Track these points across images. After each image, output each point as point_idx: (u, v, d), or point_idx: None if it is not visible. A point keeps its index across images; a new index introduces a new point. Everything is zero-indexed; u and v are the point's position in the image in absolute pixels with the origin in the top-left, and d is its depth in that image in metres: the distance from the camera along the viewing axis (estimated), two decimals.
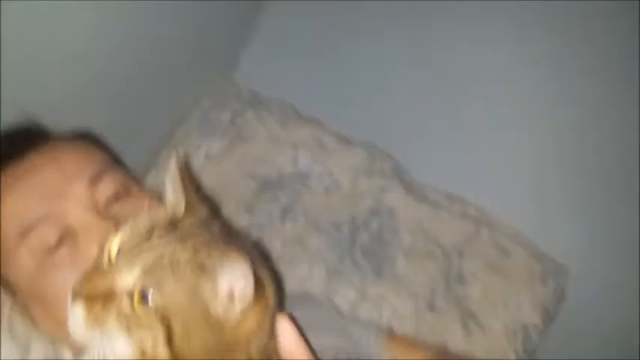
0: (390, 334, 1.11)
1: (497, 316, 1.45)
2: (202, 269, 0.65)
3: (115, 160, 1.07)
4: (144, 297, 0.64)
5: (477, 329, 1.42)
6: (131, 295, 0.64)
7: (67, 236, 0.90)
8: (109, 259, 0.69)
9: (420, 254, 1.50)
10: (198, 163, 1.48)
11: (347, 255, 1.45)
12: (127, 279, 0.65)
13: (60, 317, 0.90)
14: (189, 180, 0.75)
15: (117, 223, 0.89)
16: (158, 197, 1.05)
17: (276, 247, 1.43)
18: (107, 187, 0.95)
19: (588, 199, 1.56)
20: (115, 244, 0.69)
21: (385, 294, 1.41)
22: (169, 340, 0.64)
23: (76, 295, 0.66)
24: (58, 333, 0.93)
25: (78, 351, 0.79)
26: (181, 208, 0.72)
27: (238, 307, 0.66)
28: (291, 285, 1.38)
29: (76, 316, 0.66)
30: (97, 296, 0.65)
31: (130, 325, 0.64)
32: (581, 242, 1.57)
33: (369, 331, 1.10)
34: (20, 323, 0.94)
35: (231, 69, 1.79)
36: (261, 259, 0.71)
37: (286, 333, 0.67)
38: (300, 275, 1.41)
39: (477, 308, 1.45)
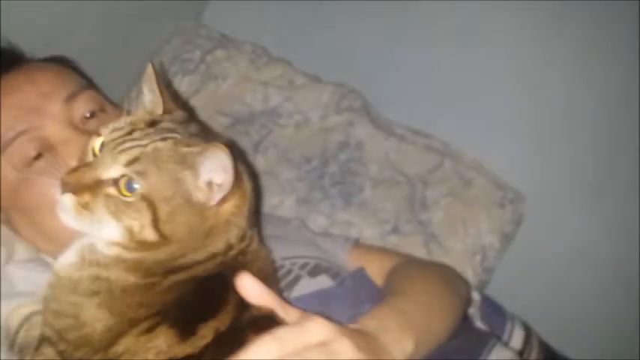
0: (356, 245, 1.18)
1: (458, 239, 1.55)
2: (183, 160, 0.72)
3: (90, 84, 1.12)
4: (129, 185, 0.71)
5: (438, 250, 1.53)
6: (117, 184, 0.71)
7: (45, 150, 0.96)
8: (94, 155, 0.75)
9: (386, 183, 1.58)
10: None
11: (317, 185, 1.54)
12: (113, 169, 0.71)
13: (41, 225, 0.97)
14: (166, 86, 0.80)
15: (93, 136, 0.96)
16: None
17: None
18: (83, 105, 1.01)
19: (545, 129, 1.65)
20: (98, 142, 0.75)
21: (353, 220, 1.51)
22: (155, 223, 0.71)
23: (64, 186, 0.72)
24: (41, 242, 1.00)
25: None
26: (159, 110, 0.78)
27: (218, 194, 0.74)
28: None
29: (66, 205, 0.72)
30: (85, 186, 0.71)
31: (117, 210, 0.71)
32: (537, 170, 1.67)
33: (336, 242, 1.18)
34: (5, 232, 1.00)
35: (201, 12, 1.82)
36: (238, 154, 0.77)
37: (247, 285, 0.70)
38: (272, 204, 1.49)
39: (439, 231, 1.55)
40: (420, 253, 1.51)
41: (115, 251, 0.73)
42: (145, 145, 0.72)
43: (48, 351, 0.72)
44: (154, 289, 0.72)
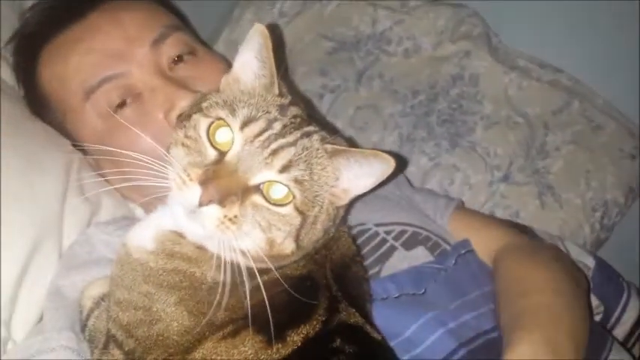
0: (459, 210, 1.06)
1: (577, 192, 1.39)
2: (331, 161, 0.66)
3: (180, 20, 1.05)
4: (273, 192, 0.63)
5: (553, 203, 1.38)
6: (266, 190, 0.63)
7: (131, 97, 0.91)
8: (210, 141, 0.65)
9: (501, 124, 1.43)
10: (271, 20, 1.43)
11: (422, 123, 1.41)
12: (265, 175, 0.63)
13: (129, 175, 0.95)
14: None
15: (181, 85, 0.90)
16: (225, 60, 1.04)
17: (348, 111, 1.41)
18: (171, 48, 0.94)
19: None
20: (206, 124, 0.66)
21: (458, 163, 1.38)
22: (298, 234, 0.65)
23: (207, 196, 0.61)
24: (127, 190, 0.99)
25: (150, 209, 0.80)
26: (274, 88, 0.68)
27: (350, 196, 0.68)
28: None
29: (208, 219, 0.62)
30: (234, 197, 0.62)
31: (267, 223, 0.63)
32: None
33: (437, 203, 1.06)
34: (91, 181, 0.97)
35: None
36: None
37: None
38: (372, 141, 1.39)
39: (556, 182, 1.40)
40: (531, 205, 1.38)
41: (238, 259, 0.64)
42: (293, 144, 0.64)
43: (116, 352, 0.67)
44: (240, 289, 0.64)
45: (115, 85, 0.91)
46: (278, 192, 0.63)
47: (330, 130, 0.70)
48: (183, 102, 0.87)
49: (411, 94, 1.43)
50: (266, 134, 0.63)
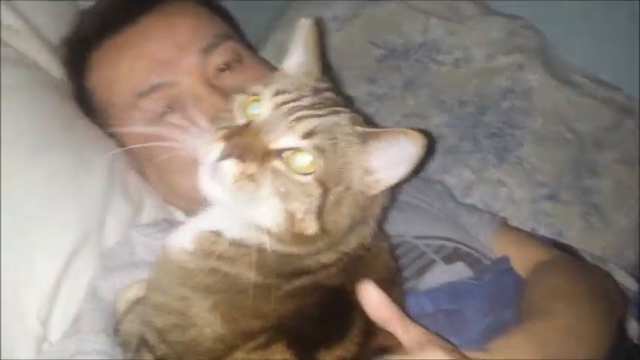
0: (503, 227, 1.05)
1: (625, 212, 1.35)
2: (362, 141, 0.63)
3: (230, 25, 1.06)
4: (295, 161, 0.61)
5: (598, 224, 1.34)
6: (288, 159, 0.62)
7: (177, 105, 0.92)
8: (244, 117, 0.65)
9: (550, 140, 1.39)
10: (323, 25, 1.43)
11: (469, 135, 1.39)
12: (287, 139, 0.62)
13: (171, 182, 0.96)
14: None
15: (225, 94, 0.90)
16: (270, 65, 1.05)
17: (394, 119, 1.39)
18: (219, 57, 0.95)
19: None
20: (240, 100, 0.66)
21: (504, 178, 1.35)
22: (320, 212, 0.62)
23: (227, 150, 0.61)
24: (170, 197, 1.01)
25: (190, 213, 0.80)
26: (314, 75, 0.69)
27: (383, 185, 0.65)
28: None
29: (225, 173, 0.61)
30: (253, 154, 0.61)
31: (286, 190, 0.61)
32: None
33: (482, 219, 1.05)
34: (134, 182, 0.99)
35: None
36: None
37: (371, 298, 0.63)
38: None
39: (604, 202, 1.35)
40: (576, 225, 1.34)
41: (259, 240, 0.62)
42: (320, 116, 0.63)
43: (147, 357, 0.66)
44: (273, 294, 0.63)
45: (163, 93, 0.93)
46: (300, 160, 0.62)
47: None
48: None
49: (459, 104, 1.41)
50: (296, 104, 0.63)
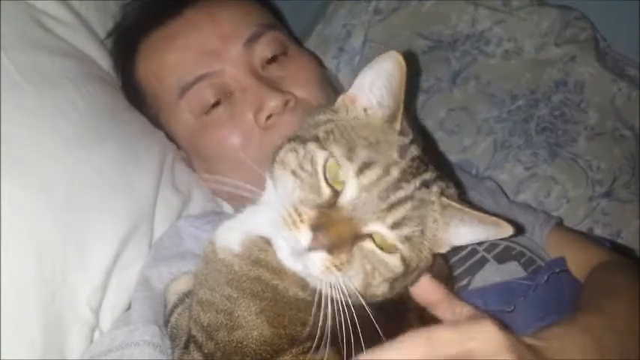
0: (558, 227, 1.01)
1: None
2: (443, 215, 0.64)
3: (274, 16, 1.05)
4: (389, 242, 0.61)
5: None
6: (375, 236, 0.61)
7: (223, 96, 0.92)
8: (325, 180, 0.62)
9: (606, 136, 1.33)
10: (365, 17, 1.39)
11: (520, 129, 1.34)
12: (375, 226, 0.61)
13: (218, 174, 0.94)
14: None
15: (271, 85, 0.90)
16: (315, 57, 1.03)
17: (440, 113, 1.35)
18: (264, 48, 0.95)
19: None
20: (323, 158, 0.62)
21: (557, 175, 1.30)
22: (395, 279, 0.63)
23: (316, 242, 0.59)
24: (218, 188, 0.99)
25: (238, 207, 0.79)
26: (397, 125, 0.65)
27: (448, 248, 0.67)
28: (452, 155, 1.32)
29: (314, 265, 0.60)
30: (343, 246, 0.60)
31: (372, 267, 0.61)
32: None
33: (536, 219, 1.01)
34: (182, 173, 0.99)
35: None
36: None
37: (420, 283, 0.66)
38: (464, 145, 1.34)
39: None
40: (634, 224, 1.27)
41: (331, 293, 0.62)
42: (411, 197, 0.61)
43: (196, 355, 0.65)
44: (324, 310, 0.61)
45: (209, 84, 0.92)
46: (388, 240, 0.62)
47: (441, 167, 0.68)
48: (273, 102, 0.89)
49: (509, 98, 1.36)
50: (384, 182, 0.61)
